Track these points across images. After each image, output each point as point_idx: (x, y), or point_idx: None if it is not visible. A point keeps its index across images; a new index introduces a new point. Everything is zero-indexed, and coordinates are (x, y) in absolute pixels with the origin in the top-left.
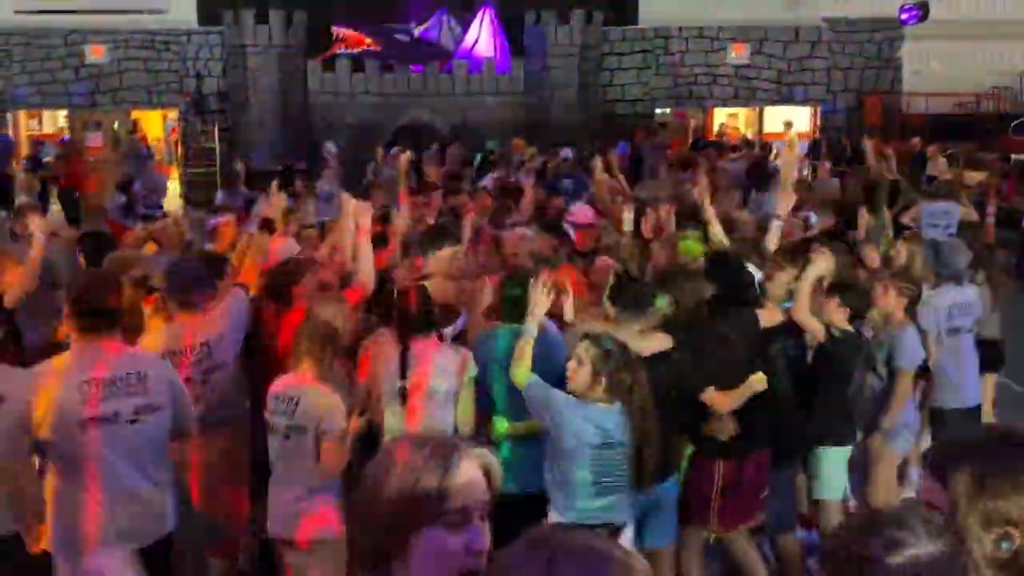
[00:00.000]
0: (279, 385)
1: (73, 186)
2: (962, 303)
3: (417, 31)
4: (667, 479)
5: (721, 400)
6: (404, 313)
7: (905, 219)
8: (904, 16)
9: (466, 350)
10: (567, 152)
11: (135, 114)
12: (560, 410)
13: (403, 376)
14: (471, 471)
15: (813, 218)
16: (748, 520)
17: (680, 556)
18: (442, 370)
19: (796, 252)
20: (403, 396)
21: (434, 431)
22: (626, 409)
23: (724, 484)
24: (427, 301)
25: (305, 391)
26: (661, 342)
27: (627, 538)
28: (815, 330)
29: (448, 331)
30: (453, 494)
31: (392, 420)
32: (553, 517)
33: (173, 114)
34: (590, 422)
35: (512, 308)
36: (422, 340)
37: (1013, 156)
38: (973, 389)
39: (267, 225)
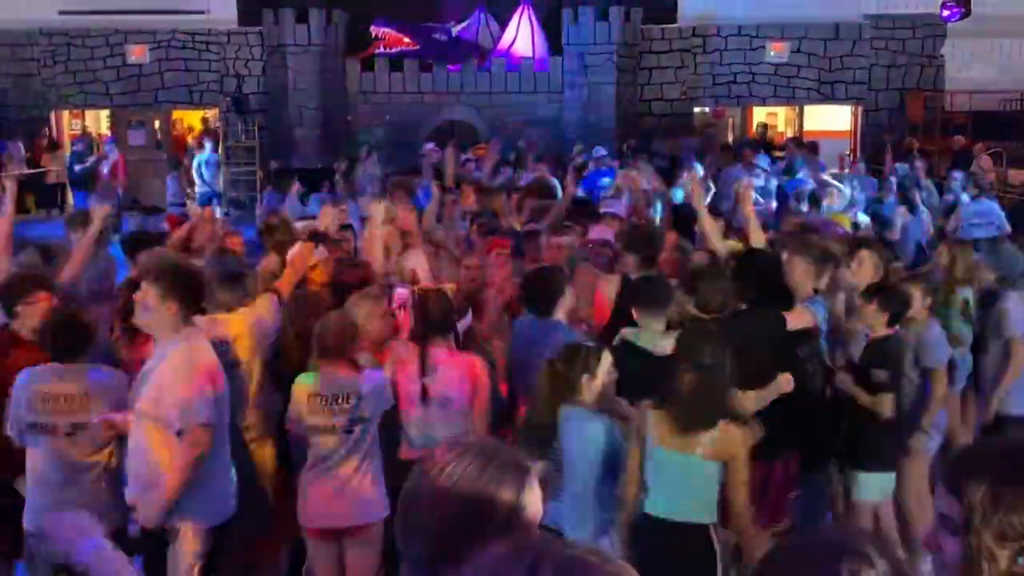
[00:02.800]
0: (321, 385)
1: (116, 185)
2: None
3: (455, 30)
4: None
5: (745, 401)
6: (424, 316)
7: (948, 226)
8: (946, 13)
9: (479, 357)
10: (600, 150)
11: (176, 114)
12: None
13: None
14: (537, 490)
15: (860, 216)
16: (773, 523)
17: None
18: (460, 376)
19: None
20: (423, 399)
21: (449, 436)
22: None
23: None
24: (447, 306)
25: (361, 382)
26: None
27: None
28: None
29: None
30: (526, 509)
31: (409, 423)
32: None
33: (213, 113)
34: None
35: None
36: (440, 344)
37: None
38: None
39: (316, 237)
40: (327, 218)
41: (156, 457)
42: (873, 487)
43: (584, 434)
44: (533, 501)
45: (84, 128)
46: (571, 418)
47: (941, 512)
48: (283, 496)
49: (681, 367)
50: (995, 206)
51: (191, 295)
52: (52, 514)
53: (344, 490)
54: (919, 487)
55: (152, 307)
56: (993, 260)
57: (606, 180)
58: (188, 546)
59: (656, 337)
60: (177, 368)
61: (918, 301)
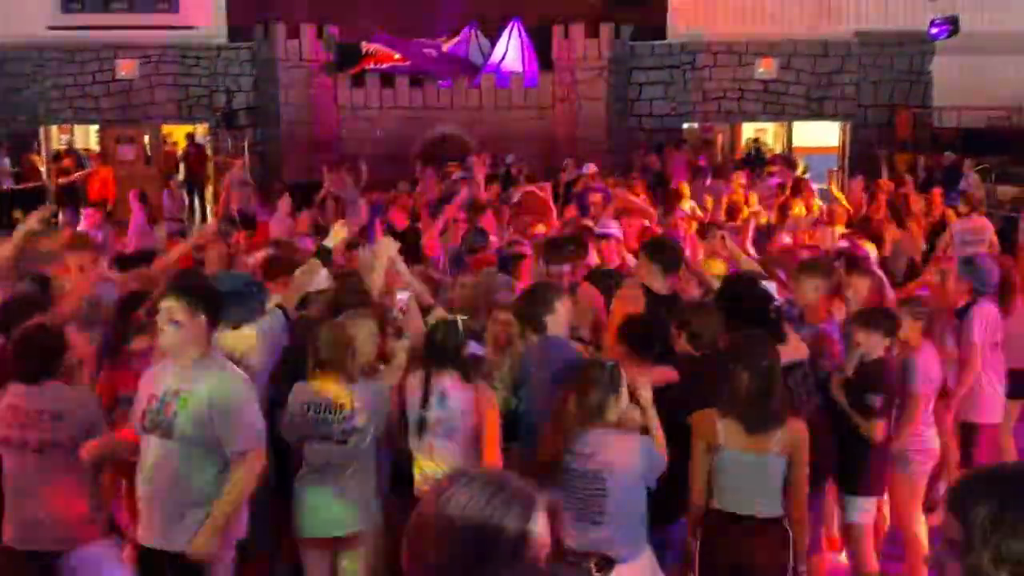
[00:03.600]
0: (312, 395)
1: (104, 199)
2: (998, 319)
3: (446, 46)
4: (676, 520)
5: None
6: (433, 344)
7: (940, 244)
8: (934, 30)
9: (487, 388)
10: (590, 167)
11: (166, 129)
12: None
13: (424, 407)
14: (544, 519)
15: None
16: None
17: None
18: (466, 407)
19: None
20: (421, 427)
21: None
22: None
23: None
24: (457, 335)
25: (354, 393)
26: (668, 377)
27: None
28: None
29: None
30: (531, 540)
31: (417, 454)
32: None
33: (202, 129)
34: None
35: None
36: (447, 373)
37: None
38: (999, 405)
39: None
40: (338, 234)
41: (200, 482)
42: (865, 509)
43: (625, 453)
44: (540, 532)
45: (71, 143)
46: (605, 440)
47: (943, 532)
48: (276, 505)
49: (739, 371)
50: (986, 223)
51: (216, 309)
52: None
53: (337, 499)
54: (910, 511)
55: (182, 322)
56: (970, 276)
57: (597, 196)
58: (227, 560)
59: (639, 379)
60: (236, 391)
61: (907, 326)
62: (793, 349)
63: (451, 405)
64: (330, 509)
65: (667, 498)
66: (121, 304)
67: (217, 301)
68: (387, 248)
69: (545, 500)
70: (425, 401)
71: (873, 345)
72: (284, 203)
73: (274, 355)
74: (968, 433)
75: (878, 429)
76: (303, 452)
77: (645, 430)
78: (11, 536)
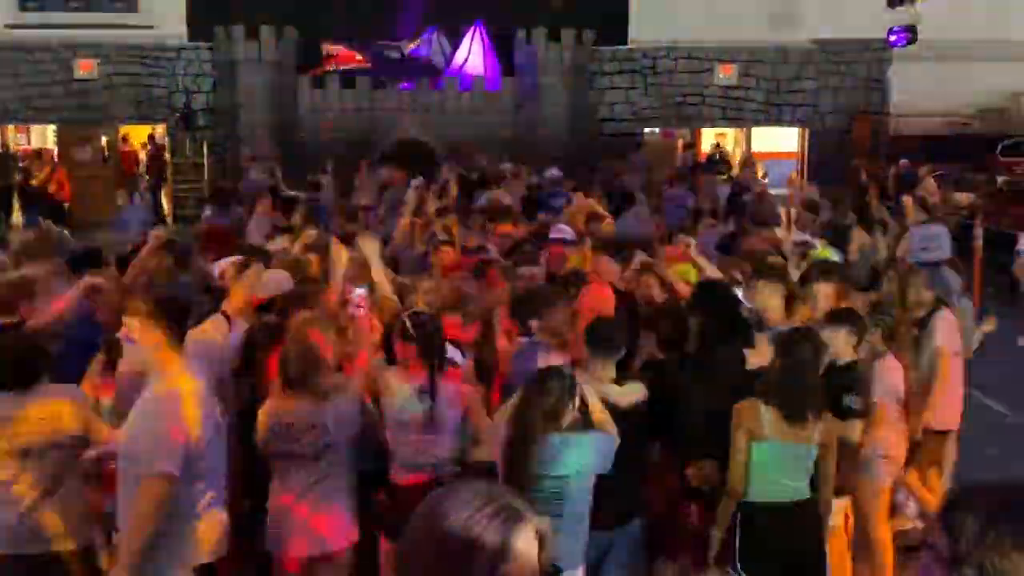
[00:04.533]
0: (285, 414)
1: (62, 201)
2: (957, 326)
3: (408, 48)
4: (626, 524)
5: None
6: (428, 342)
7: (899, 252)
8: (893, 38)
9: (468, 382)
10: (554, 171)
11: (123, 129)
12: None
13: (421, 402)
14: (530, 538)
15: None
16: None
17: None
18: (451, 400)
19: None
20: (427, 423)
21: (447, 460)
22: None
23: (700, 524)
24: (440, 330)
25: (329, 409)
26: (638, 393)
27: None
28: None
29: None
30: (510, 558)
31: (406, 448)
32: None
33: (161, 129)
34: None
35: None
36: (441, 369)
37: (1001, 177)
38: (957, 412)
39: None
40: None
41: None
42: (836, 511)
43: (583, 456)
44: (524, 551)
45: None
46: (564, 444)
47: (932, 544)
48: (245, 522)
49: (782, 364)
50: (943, 230)
51: (172, 320)
52: None
53: (311, 517)
54: (877, 514)
55: (135, 338)
56: (932, 283)
57: (560, 201)
58: None
59: (606, 386)
60: (146, 406)
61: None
62: (763, 355)
63: (437, 399)
64: (305, 527)
65: (614, 500)
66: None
67: (174, 312)
68: (371, 247)
69: (533, 518)
70: (424, 394)
71: (841, 347)
72: (263, 205)
73: (217, 362)
74: (930, 440)
75: (857, 430)
76: (276, 469)
77: (589, 424)
78: None
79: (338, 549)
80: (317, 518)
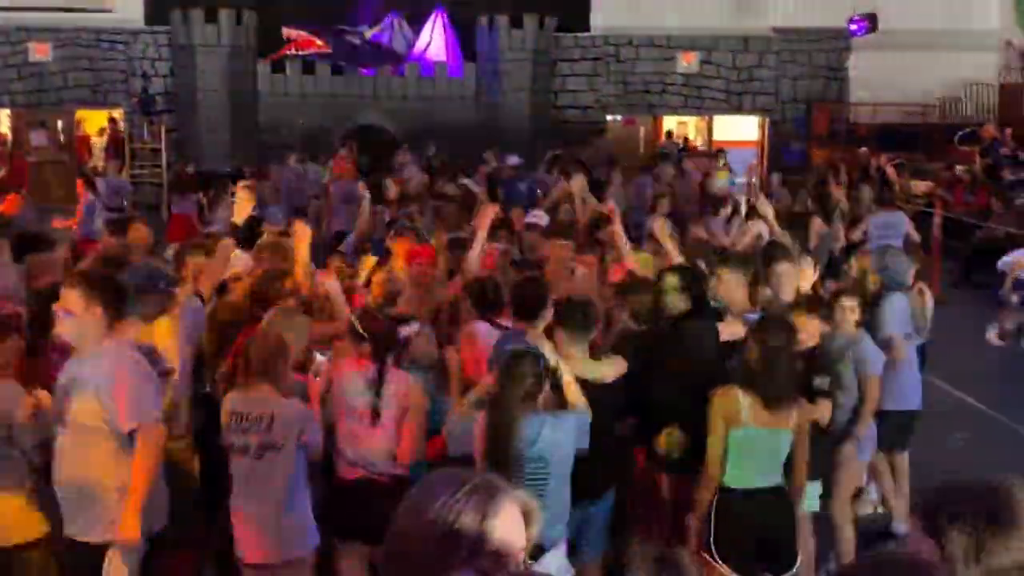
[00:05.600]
0: (240, 404)
1: (17, 185)
2: (909, 309)
3: (368, 34)
4: (603, 496)
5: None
6: (377, 333)
7: (855, 235)
8: (853, 27)
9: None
10: (514, 158)
11: (79, 114)
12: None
13: (376, 395)
14: (513, 515)
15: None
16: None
17: (629, 571)
18: (395, 392)
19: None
20: (375, 416)
21: (384, 456)
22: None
23: (671, 498)
24: (392, 325)
25: (276, 407)
26: (620, 367)
27: (558, 557)
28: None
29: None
30: (491, 538)
31: (349, 440)
32: None
33: (118, 113)
34: None
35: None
36: (387, 363)
37: (958, 166)
38: (917, 393)
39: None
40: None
41: (99, 472)
42: (810, 496)
43: (562, 434)
44: (505, 528)
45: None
46: (542, 424)
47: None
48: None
49: (759, 352)
50: (902, 217)
51: (115, 300)
52: None
53: (265, 522)
54: (846, 499)
55: (76, 313)
56: (882, 269)
57: (522, 186)
58: (123, 557)
59: (583, 362)
60: (115, 370)
61: (850, 312)
62: (729, 328)
63: (394, 394)
64: (257, 533)
65: (592, 473)
66: (41, 294)
67: (117, 294)
68: (303, 235)
69: (514, 494)
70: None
71: (812, 331)
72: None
73: (192, 344)
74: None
75: (826, 410)
76: (230, 463)
77: (562, 404)
78: None
79: (294, 559)
80: (269, 524)
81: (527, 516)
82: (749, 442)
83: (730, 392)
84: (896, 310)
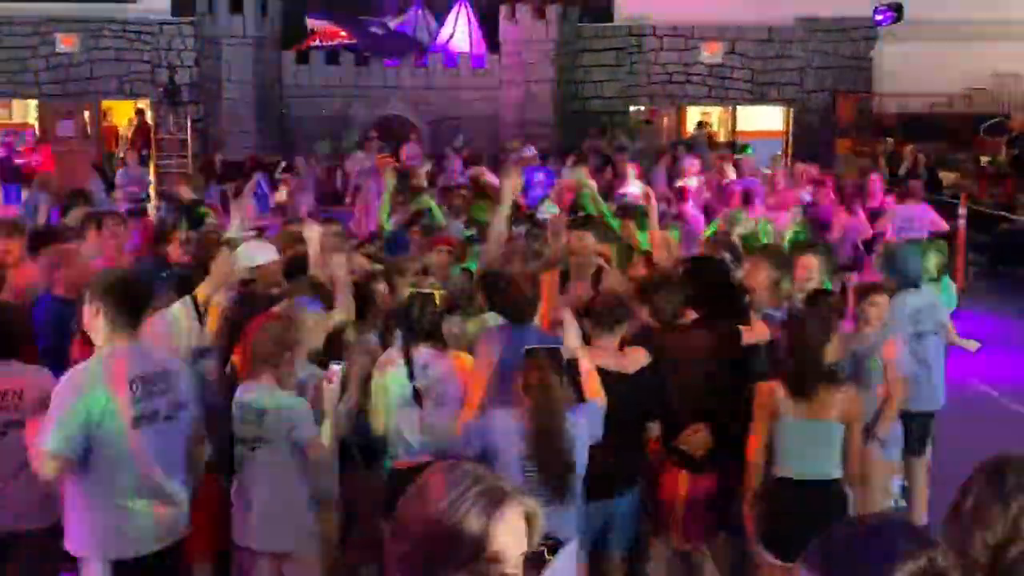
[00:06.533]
0: (242, 394)
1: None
2: (922, 307)
3: (392, 24)
4: (627, 492)
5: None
6: (411, 319)
7: (878, 227)
8: (879, 17)
9: (463, 355)
10: (530, 149)
11: (106, 104)
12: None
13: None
14: (516, 521)
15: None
16: (714, 536)
17: (646, 568)
18: (448, 374)
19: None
20: (416, 400)
21: (443, 437)
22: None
23: (688, 496)
24: (434, 308)
25: (270, 400)
26: (642, 358)
27: (572, 555)
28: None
29: None
30: (492, 542)
31: (404, 427)
32: None
33: (145, 104)
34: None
35: None
36: (427, 347)
37: (984, 158)
38: (939, 392)
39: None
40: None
41: None
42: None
43: (576, 430)
44: (504, 533)
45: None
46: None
47: None
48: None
49: (795, 343)
50: (925, 209)
51: (120, 305)
52: None
53: (263, 512)
54: (873, 500)
55: (87, 321)
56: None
57: (539, 176)
58: None
59: (611, 355)
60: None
61: (878, 310)
62: (757, 332)
63: (433, 375)
64: (257, 522)
65: (616, 468)
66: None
67: (123, 297)
68: (313, 233)
69: (519, 499)
70: (411, 373)
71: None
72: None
73: (186, 343)
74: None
75: (873, 402)
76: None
77: (579, 397)
78: None
79: (294, 550)
80: (267, 515)
81: (530, 521)
82: (789, 432)
83: (769, 384)
84: (901, 310)
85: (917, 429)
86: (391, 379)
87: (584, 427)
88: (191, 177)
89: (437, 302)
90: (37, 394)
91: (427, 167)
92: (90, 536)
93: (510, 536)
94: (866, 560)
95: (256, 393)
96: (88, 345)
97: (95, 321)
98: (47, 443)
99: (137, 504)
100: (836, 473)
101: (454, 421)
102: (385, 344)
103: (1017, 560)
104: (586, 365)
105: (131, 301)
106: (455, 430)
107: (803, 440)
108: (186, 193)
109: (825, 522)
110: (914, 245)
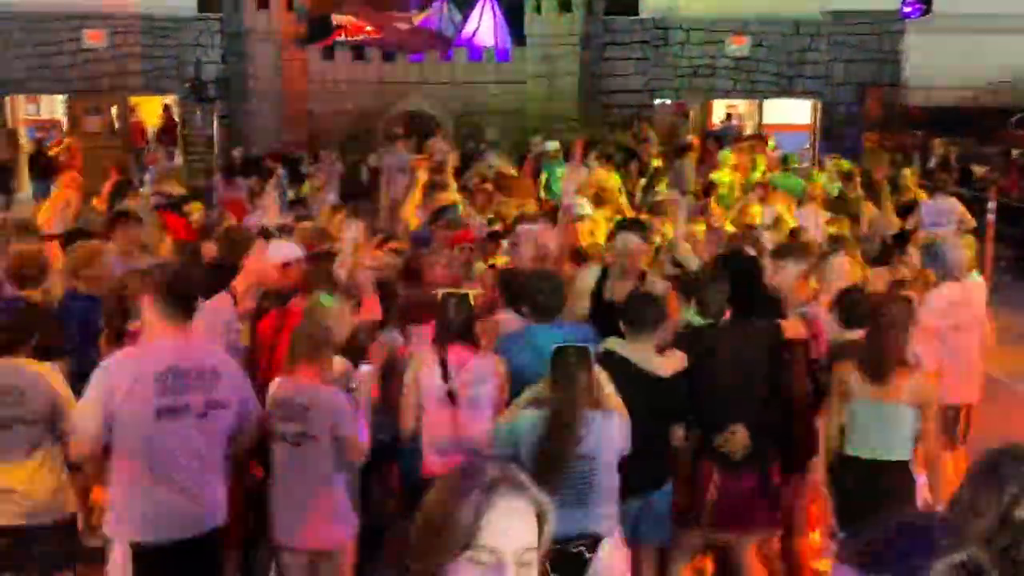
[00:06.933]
0: (281, 390)
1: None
2: (958, 300)
3: (417, 19)
4: (660, 488)
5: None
6: (444, 319)
7: (908, 224)
8: (907, 9)
9: (498, 356)
10: (550, 144)
11: (133, 100)
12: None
13: (445, 380)
14: (512, 514)
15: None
16: (746, 529)
17: (670, 557)
18: (483, 376)
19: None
20: (451, 399)
21: (478, 436)
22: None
23: (720, 490)
24: (468, 308)
25: (314, 396)
26: (678, 362)
27: (614, 550)
28: None
29: None
30: (484, 533)
31: (439, 425)
32: None
33: (171, 100)
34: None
35: None
36: (460, 346)
37: (1014, 151)
38: (972, 385)
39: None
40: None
41: None
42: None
43: (610, 432)
44: (497, 525)
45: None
46: (592, 421)
47: None
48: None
49: (873, 326)
50: (955, 203)
51: (171, 298)
52: None
53: (302, 509)
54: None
55: (141, 311)
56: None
57: (559, 171)
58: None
59: (647, 355)
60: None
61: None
62: (793, 327)
63: (468, 376)
64: (295, 518)
65: (651, 464)
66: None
67: (173, 289)
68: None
69: (524, 494)
70: (444, 374)
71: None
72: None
73: (221, 335)
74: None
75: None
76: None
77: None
78: None
79: (332, 549)
80: (306, 511)
81: (540, 517)
82: (861, 414)
83: (845, 366)
84: (939, 301)
85: (950, 422)
86: (425, 380)
87: (614, 430)
88: (178, 173)
89: (471, 302)
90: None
91: (453, 162)
92: (114, 518)
93: (505, 528)
94: (906, 554)
95: (297, 389)
96: (112, 341)
97: (147, 314)
98: (78, 425)
99: (156, 492)
100: (905, 455)
101: (487, 422)
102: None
103: (1007, 548)
104: (605, 385)
105: (182, 294)
106: (488, 431)
107: (874, 422)
108: (172, 188)
109: (891, 503)
110: (956, 238)
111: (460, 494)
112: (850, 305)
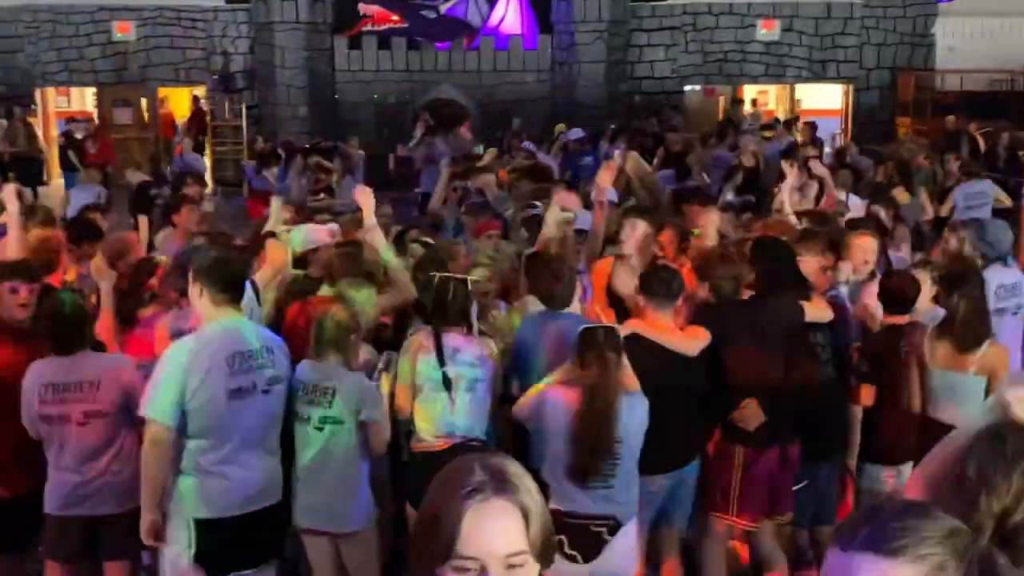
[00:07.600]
0: (306, 374)
1: (103, 162)
2: (1008, 284)
3: (443, 8)
4: (685, 469)
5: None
6: (441, 304)
7: (944, 211)
8: None
9: (491, 340)
10: (577, 131)
11: (162, 91)
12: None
13: (441, 365)
14: (496, 520)
15: (855, 200)
16: (772, 514)
17: (702, 544)
18: (480, 360)
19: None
20: (446, 384)
21: (474, 422)
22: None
23: (744, 472)
24: (465, 294)
25: (340, 380)
26: (702, 340)
27: (630, 534)
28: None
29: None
30: (466, 544)
31: (435, 410)
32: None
33: (200, 91)
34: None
35: None
36: (456, 331)
37: None
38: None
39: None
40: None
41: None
42: (882, 479)
43: (640, 414)
44: (479, 530)
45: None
46: (629, 402)
47: None
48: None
49: (953, 298)
50: (990, 186)
51: (220, 282)
52: None
53: (325, 492)
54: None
55: (190, 295)
56: (976, 238)
57: (587, 160)
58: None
59: (673, 336)
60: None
61: (927, 288)
62: (819, 309)
63: (464, 360)
64: (318, 502)
65: (681, 442)
66: (137, 269)
67: (221, 274)
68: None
69: (510, 494)
70: (441, 359)
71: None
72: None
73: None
74: None
75: (867, 394)
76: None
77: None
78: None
79: (355, 531)
80: (329, 495)
81: (527, 517)
82: (937, 383)
83: (926, 336)
84: (993, 281)
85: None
86: (422, 364)
87: (640, 412)
88: (139, 162)
89: (469, 288)
90: (115, 384)
91: (492, 152)
92: (177, 497)
93: (489, 536)
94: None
95: (324, 373)
96: (122, 326)
97: (198, 301)
98: (147, 411)
99: (226, 470)
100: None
101: (483, 407)
102: None
103: (1019, 526)
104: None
105: (230, 278)
106: (484, 416)
107: (946, 389)
108: (132, 176)
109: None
110: (1003, 221)
111: (445, 501)
112: (896, 286)
